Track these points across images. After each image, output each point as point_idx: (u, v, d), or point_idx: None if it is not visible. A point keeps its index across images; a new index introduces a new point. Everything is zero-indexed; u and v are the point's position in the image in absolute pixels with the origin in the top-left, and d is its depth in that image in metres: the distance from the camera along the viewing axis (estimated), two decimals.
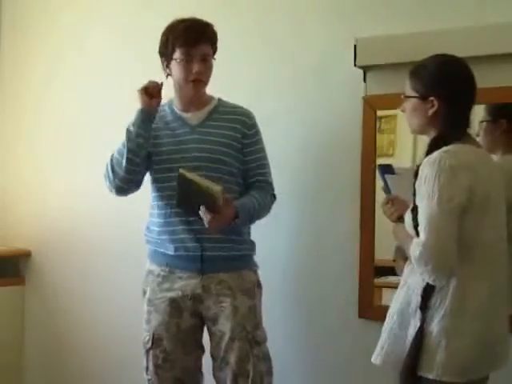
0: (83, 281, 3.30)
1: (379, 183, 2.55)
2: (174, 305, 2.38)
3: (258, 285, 2.45)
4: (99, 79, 3.30)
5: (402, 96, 2.04)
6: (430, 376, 1.87)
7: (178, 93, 2.44)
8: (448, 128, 1.95)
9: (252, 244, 2.48)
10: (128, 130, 2.35)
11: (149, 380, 2.43)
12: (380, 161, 2.58)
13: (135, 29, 3.21)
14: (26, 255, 3.47)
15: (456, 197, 1.83)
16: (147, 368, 2.43)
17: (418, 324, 1.90)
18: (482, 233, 1.89)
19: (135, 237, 3.15)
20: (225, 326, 2.33)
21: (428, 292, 1.90)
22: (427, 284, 1.90)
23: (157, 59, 3.12)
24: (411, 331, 1.92)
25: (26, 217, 3.49)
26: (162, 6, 3.14)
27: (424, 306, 1.90)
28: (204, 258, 2.35)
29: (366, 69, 2.60)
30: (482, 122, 2.37)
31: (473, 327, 1.88)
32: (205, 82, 2.40)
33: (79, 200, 3.33)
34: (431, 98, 1.95)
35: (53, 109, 3.43)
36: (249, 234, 2.48)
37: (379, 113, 2.60)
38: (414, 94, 1.99)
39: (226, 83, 2.62)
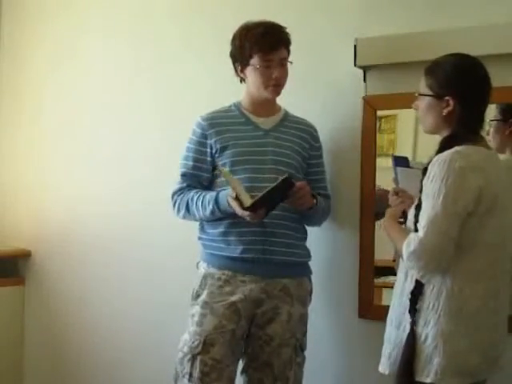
0: (83, 281, 3.30)
1: (379, 183, 2.56)
2: (234, 309, 2.31)
3: (311, 292, 2.47)
4: (98, 80, 3.30)
5: (416, 94, 2.02)
6: (428, 380, 1.86)
7: (251, 97, 2.44)
8: (461, 128, 1.93)
9: (309, 250, 2.49)
10: (203, 207, 2.36)
11: None
12: (379, 161, 2.59)
13: (131, 30, 3.21)
14: (26, 255, 3.46)
15: (462, 199, 1.83)
16: (190, 374, 2.29)
17: (409, 328, 1.90)
18: (485, 234, 1.88)
19: (135, 237, 3.17)
20: (275, 331, 2.32)
21: (416, 295, 1.90)
22: (415, 287, 1.91)
23: (150, 59, 3.15)
24: (405, 336, 1.92)
25: (26, 217, 3.49)
26: (157, 10, 3.14)
27: (413, 309, 1.90)
28: (268, 262, 2.33)
29: (366, 69, 2.59)
30: (492, 120, 2.36)
31: (471, 329, 1.87)
32: (281, 88, 2.41)
33: (79, 200, 3.33)
34: (446, 98, 1.93)
35: (52, 109, 3.43)
36: (306, 240, 2.50)
37: (379, 113, 2.59)
38: (428, 92, 1.97)
39: (226, 82, 2.61)
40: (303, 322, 2.42)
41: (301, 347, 2.39)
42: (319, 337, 2.65)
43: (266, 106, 2.44)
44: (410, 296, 1.91)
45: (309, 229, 2.51)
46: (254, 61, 2.35)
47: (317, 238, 2.59)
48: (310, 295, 2.48)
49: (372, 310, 2.56)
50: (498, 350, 1.95)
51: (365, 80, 2.60)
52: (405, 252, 1.88)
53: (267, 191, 2.18)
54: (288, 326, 2.34)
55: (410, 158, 2.48)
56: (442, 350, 1.85)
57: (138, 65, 3.19)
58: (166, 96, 3.10)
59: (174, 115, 3.07)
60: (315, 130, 2.52)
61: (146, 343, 3.09)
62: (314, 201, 2.38)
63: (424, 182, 1.89)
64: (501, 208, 1.91)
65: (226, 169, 2.34)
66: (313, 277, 2.49)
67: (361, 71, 2.60)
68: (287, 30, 2.40)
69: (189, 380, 2.30)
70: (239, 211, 2.23)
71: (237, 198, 2.23)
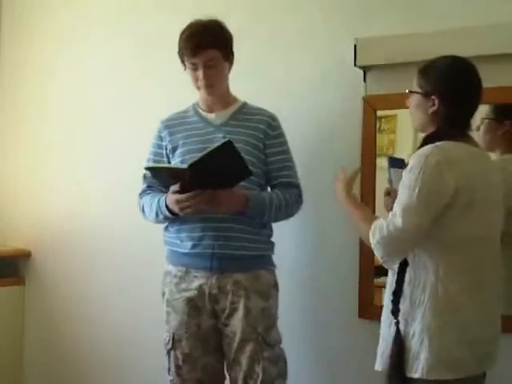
0: (83, 281, 3.30)
1: (379, 183, 2.56)
2: (192, 304, 2.36)
3: (275, 285, 2.45)
4: (99, 79, 3.31)
5: (407, 90, 2.05)
6: (416, 375, 1.87)
7: (199, 95, 2.48)
8: (445, 127, 1.95)
9: (270, 244, 2.47)
10: (151, 210, 2.43)
11: (171, 381, 2.43)
12: (379, 161, 2.59)
13: (134, 27, 3.22)
14: (26, 255, 3.46)
15: (437, 192, 1.85)
16: (169, 369, 2.43)
17: (394, 328, 1.92)
18: (465, 228, 1.88)
19: (135, 237, 3.17)
20: (236, 327, 2.33)
21: (397, 295, 1.92)
22: (396, 287, 1.93)
23: (154, 56, 3.15)
24: (393, 334, 1.94)
25: (26, 217, 3.49)
26: (161, 4, 3.14)
27: (396, 309, 1.92)
28: (216, 257, 2.34)
29: (365, 69, 2.60)
30: (484, 118, 2.37)
31: (457, 324, 1.87)
32: (215, 87, 2.41)
33: (79, 200, 3.33)
34: (433, 97, 1.96)
35: (52, 109, 3.44)
36: (268, 234, 2.47)
37: (379, 113, 2.60)
38: (418, 90, 2.00)
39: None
40: (266, 316, 2.37)
41: (265, 341, 2.35)
42: (319, 337, 2.65)
43: (216, 101, 2.45)
44: (391, 297, 1.94)
45: (310, 229, 2.51)
46: (186, 63, 2.41)
47: (317, 238, 2.59)
48: (276, 288, 2.44)
49: (372, 310, 2.56)
50: (489, 347, 1.95)
51: (365, 80, 2.61)
52: (374, 237, 1.90)
53: (207, 153, 2.12)
54: (247, 321, 2.32)
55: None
56: (427, 345, 1.86)
57: (140, 65, 3.19)
58: (169, 96, 3.10)
59: None
60: (273, 119, 2.45)
61: (146, 341, 3.09)
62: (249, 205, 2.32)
63: (403, 175, 1.91)
64: (482, 204, 1.90)
65: (146, 164, 2.38)
66: (313, 277, 2.49)
67: (361, 71, 2.60)
68: (217, 30, 2.39)
69: (168, 374, 2.44)
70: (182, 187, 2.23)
71: (174, 178, 2.25)
